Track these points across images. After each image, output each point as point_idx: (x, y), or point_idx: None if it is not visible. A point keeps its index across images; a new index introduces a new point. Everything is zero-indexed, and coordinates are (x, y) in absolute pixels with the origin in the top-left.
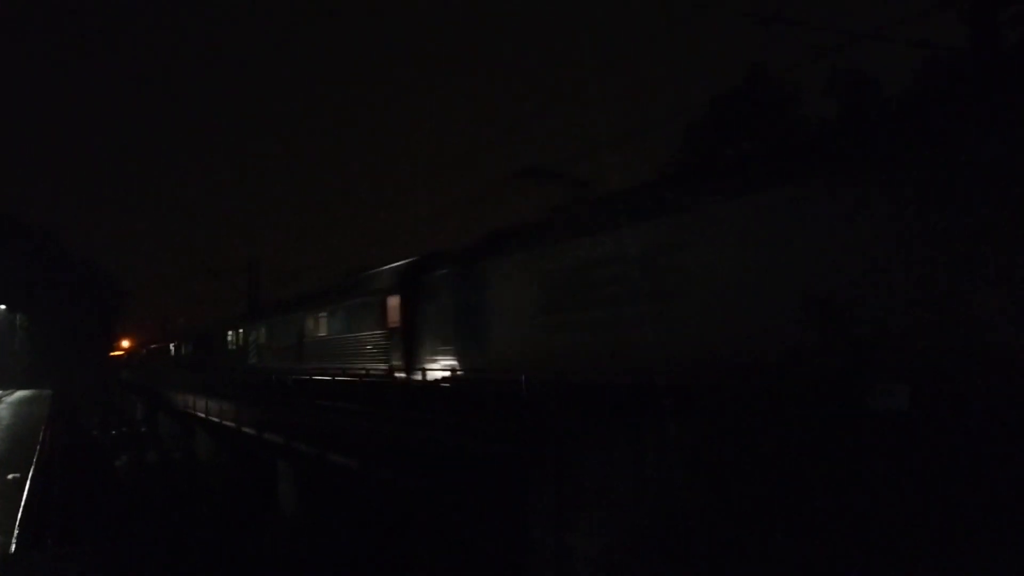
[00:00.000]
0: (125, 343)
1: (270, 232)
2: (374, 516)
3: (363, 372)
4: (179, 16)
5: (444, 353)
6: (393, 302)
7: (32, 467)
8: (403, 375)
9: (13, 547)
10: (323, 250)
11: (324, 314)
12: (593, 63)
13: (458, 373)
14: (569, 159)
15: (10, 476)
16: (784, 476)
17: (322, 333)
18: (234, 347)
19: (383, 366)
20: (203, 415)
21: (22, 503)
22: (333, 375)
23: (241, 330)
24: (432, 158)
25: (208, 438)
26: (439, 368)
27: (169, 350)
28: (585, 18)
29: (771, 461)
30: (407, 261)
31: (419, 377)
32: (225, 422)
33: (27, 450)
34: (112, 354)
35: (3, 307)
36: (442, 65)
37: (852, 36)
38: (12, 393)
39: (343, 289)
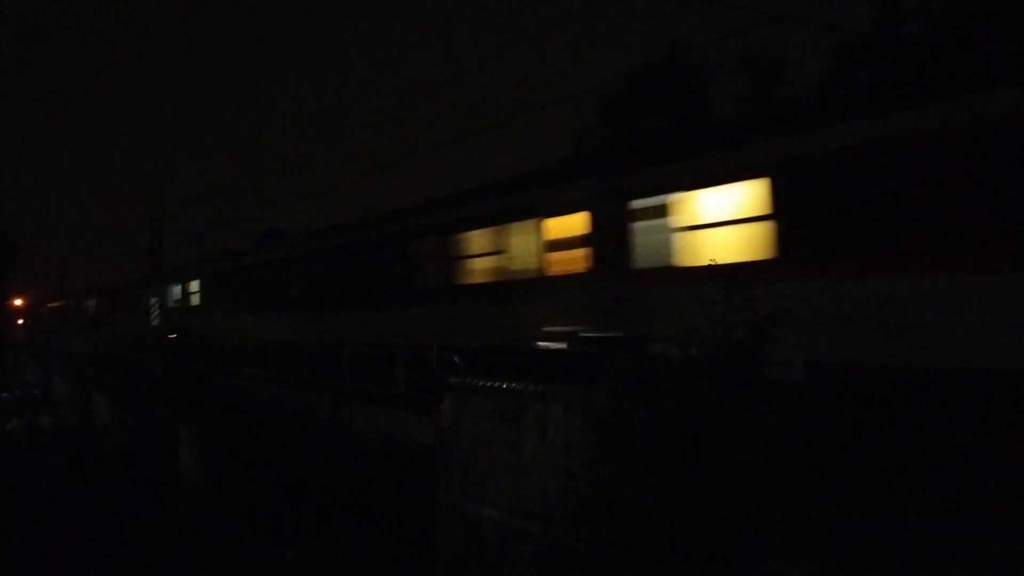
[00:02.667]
0: (18, 302)
1: (173, 192)
2: (287, 483)
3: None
4: None
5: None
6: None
7: None
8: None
9: None
10: (228, 212)
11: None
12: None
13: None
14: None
15: None
16: (688, 440)
17: None
18: None
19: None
20: None
21: None
22: None
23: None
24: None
25: (107, 402)
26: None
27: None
28: None
29: (676, 427)
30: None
31: None
32: None
33: None
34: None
35: None
36: (356, 31)
37: (764, 17)
38: None
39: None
